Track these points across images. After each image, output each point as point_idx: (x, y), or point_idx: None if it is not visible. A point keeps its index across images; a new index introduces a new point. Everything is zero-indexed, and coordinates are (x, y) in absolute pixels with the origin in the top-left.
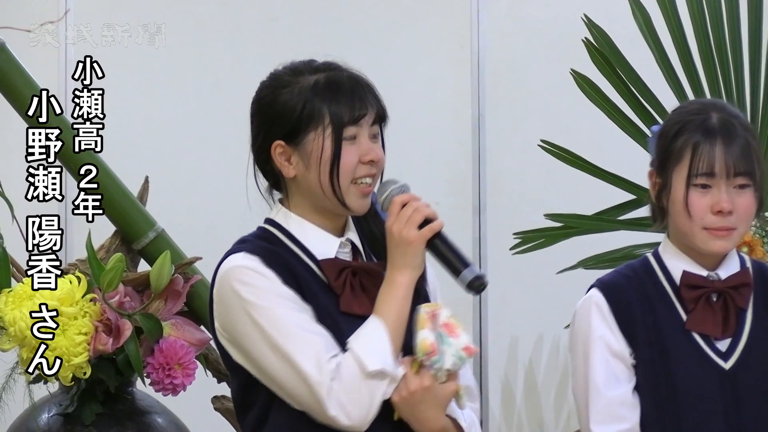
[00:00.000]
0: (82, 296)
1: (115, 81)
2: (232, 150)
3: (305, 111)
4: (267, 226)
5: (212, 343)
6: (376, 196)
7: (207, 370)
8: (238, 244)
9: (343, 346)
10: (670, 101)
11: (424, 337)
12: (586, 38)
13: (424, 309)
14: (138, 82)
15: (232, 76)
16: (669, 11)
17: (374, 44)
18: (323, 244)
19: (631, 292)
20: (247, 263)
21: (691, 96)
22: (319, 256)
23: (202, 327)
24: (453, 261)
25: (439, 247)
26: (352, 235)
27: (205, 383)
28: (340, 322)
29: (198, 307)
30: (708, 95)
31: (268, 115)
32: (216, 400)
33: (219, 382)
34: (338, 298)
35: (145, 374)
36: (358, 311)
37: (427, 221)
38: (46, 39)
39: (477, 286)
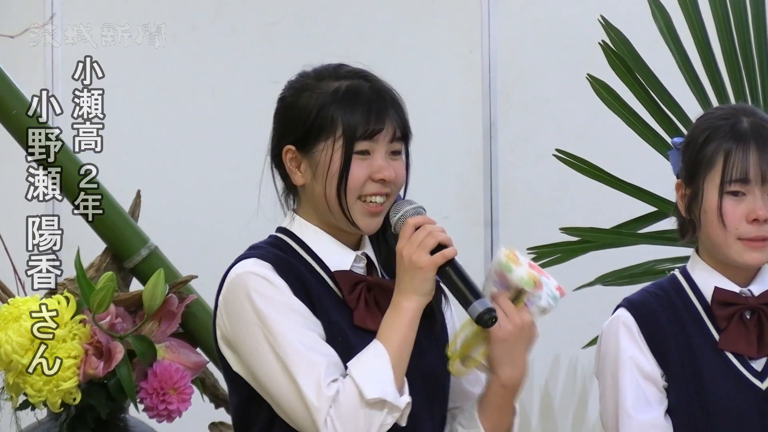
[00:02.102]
0: (71, 318)
1: (114, 81)
2: (231, 160)
3: (318, 118)
4: (279, 235)
5: (209, 366)
6: (390, 214)
7: (204, 395)
8: (250, 250)
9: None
10: (692, 107)
11: (528, 271)
12: (603, 41)
13: (504, 251)
14: (124, 107)
15: (232, 81)
16: (691, 12)
17: (378, 49)
18: (338, 255)
19: (661, 310)
20: (259, 270)
21: (714, 101)
22: (333, 268)
23: (198, 349)
24: (463, 291)
25: (451, 275)
26: (368, 250)
27: (202, 409)
28: (352, 338)
29: (194, 328)
30: (732, 100)
31: (284, 117)
32: (214, 426)
33: (216, 407)
34: (351, 312)
35: (138, 399)
36: (372, 327)
37: (440, 247)
38: (31, 43)
39: (487, 319)
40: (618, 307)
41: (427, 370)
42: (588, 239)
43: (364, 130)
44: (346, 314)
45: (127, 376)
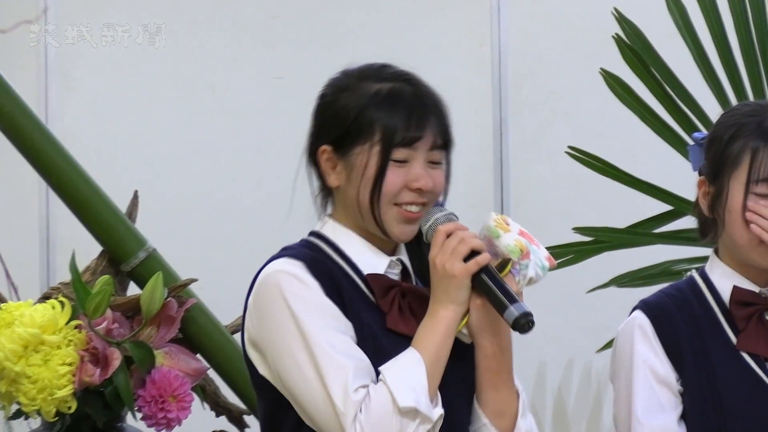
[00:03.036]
0: (66, 323)
1: (113, 80)
2: (232, 159)
3: (357, 121)
4: (311, 239)
5: (209, 373)
6: (422, 222)
7: (204, 403)
8: (281, 250)
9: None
10: (708, 103)
11: (515, 238)
12: (616, 34)
13: (494, 215)
14: (123, 104)
15: (233, 79)
16: (707, 4)
17: (385, 43)
18: (372, 259)
19: (678, 313)
20: (290, 269)
21: (731, 96)
22: (366, 271)
23: (199, 356)
24: (499, 296)
25: (485, 281)
26: (404, 257)
27: (202, 417)
28: (384, 341)
29: (194, 333)
30: (750, 96)
31: (323, 116)
32: None
33: (217, 415)
34: (384, 316)
35: (136, 408)
36: (405, 331)
37: (473, 253)
38: (24, 39)
39: (523, 324)
40: (634, 309)
41: (466, 375)
42: (602, 239)
43: (402, 137)
44: (378, 317)
45: (125, 383)
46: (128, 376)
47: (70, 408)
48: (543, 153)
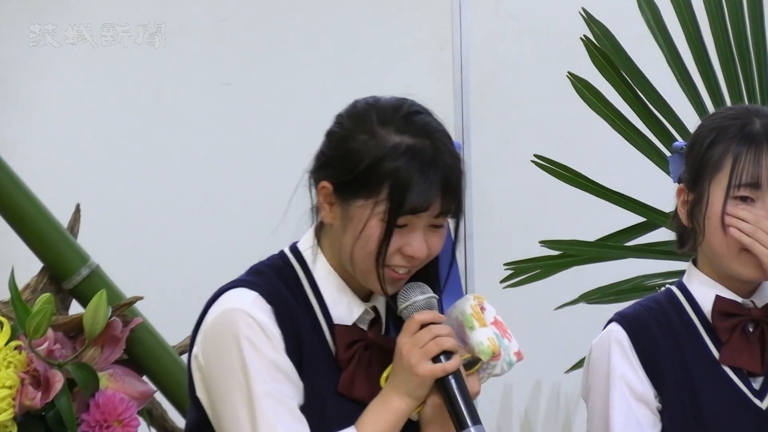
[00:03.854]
0: (5, 344)
1: (42, 114)
2: (178, 170)
3: (366, 173)
4: (291, 258)
5: (156, 396)
6: (398, 299)
7: (151, 428)
8: (253, 275)
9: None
10: (683, 108)
11: (489, 336)
12: (585, 36)
13: (471, 300)
14: (62, 112)
15: (179, 85)
16: (681, 3)
17: (340, 46)
18: (345, 307)
19: (656, 325)
20: (257, 314)
21: (707, 101)
22: (336, 320)
23: (145, 378)
24: (461, 413)
25: (450, 390)
26: (380, 302)
27: None
28: (330, 406)
29: (140, 354)
30: (727, 99)
31: (333, 150)
32: None
33: None
34: (338, 374)
35: None
36: (357, 394)
37: (444, 353)
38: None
39: None
40: (609, 321)
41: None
42: (570, 253)
43: (411, 205)
44: (333, 375)
45: (67, 407)
46: (71, 400)
47: None
48: (508, 162)
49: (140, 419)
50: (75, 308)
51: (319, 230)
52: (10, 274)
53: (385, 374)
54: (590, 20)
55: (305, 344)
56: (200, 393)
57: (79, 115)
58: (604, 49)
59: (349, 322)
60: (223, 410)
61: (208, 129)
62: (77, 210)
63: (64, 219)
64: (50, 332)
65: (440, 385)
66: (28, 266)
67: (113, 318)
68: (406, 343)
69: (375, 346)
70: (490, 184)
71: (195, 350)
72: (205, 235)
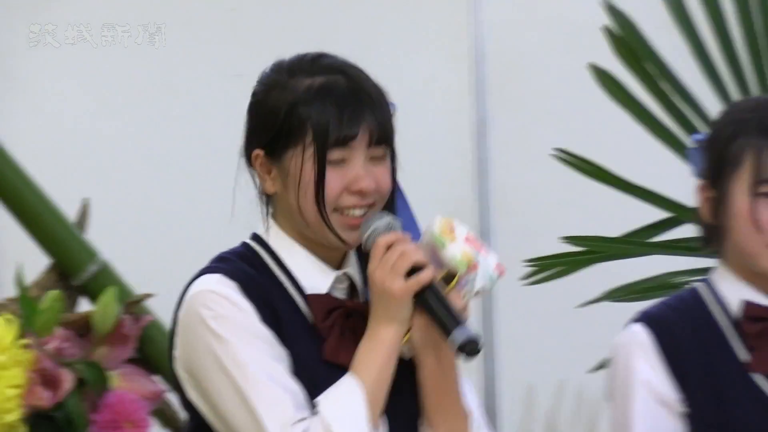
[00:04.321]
0: (13, 342)
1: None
2: (191, 163)
3: (287, 121)
4: (253, 244)
5: (168, 396)
6: (360, 231)
7: (164, 429)
8: (217, 262)
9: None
10: (708, 99)
11: (462, 249)
12: (606, 26)
13: (439, 221)
14: (71, 105)
15: (191, 77)
16: None
17: (354, 38)
18: (315, 276)
19: (681, 326)
20: (222, 290)
21: (733, 92)
22: (309, 290)
23: (157, 377)
24: (443, 319)
25: (428, 302)
26: (352, 269)
27: None
28: (320, 374)
29: (151, 353)
30: (754, 92)
31: (253, 117)
32: None
33: None
34: (323, 343)
35: None
36: (345, 361)
37: (415, 268)
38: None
39: (469, 350)
40: (632, 321)
41: (408, 404)
42: (594, 249)
43: (336, 136)
44: (316, 345)
45: (77, 407)
46: (81, 400)
47: None
48: (528, 156)
49: (151, 420)
50: (84, 306)
51: (272, 210)
52: (18, 271)
53: (405, 338)
54: (612, 9)
55: (280, 313)
56: (193, 396)
57: (87, 109)
58: (627, 39)
59: (323, 291)
60: (217, 399)
61: (220, 122)
62: (85, 205)
63: (72, 214)
64: (59, 330)
65: (419, 301)
66: (36, 263)
67: (123, 316)
68: (375, 268)
69: (356, 313)
70: (509, 179)
71: (175, 348)
72: (217, 231)
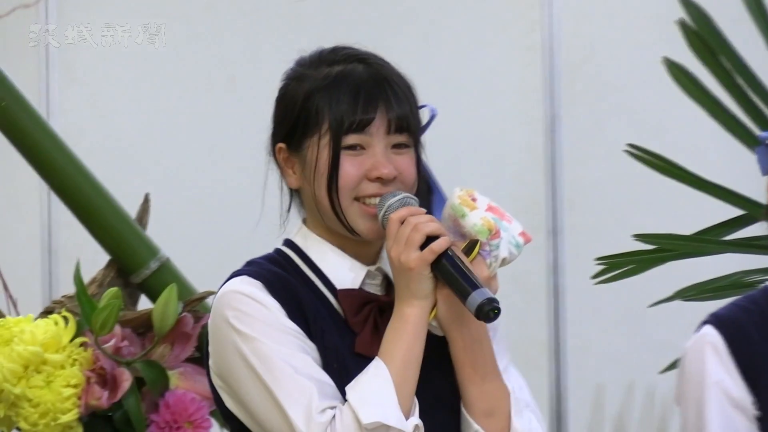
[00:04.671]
0: (71, 340)
1: (110, 96)
2: (253, 158)
3: (304, 110)
4: (283, 248)
5: None
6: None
7: (223, 430)
8: (245, 266)
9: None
10: None
11: (482, 216)
12: (681, 19)
13: (458, 191)
14: (133, 97)
15: (253, 68)
16: None
17: (422, 30)
18: (346, 272)
19: (754, 328)
20: (246, 289)
21: None
22: (340, 286)
23: None
24: (460, 282)
25: (446, 268)
26: (386, 264)
27: None
28: (351, 366)
29: None
30: None
31: (276, 111)
32: None
33: None
34: (355, 338)
35: None
36: (377, 354)
37: (430, 239)
38: (22, 27)
39: (488, 311)
40: (703, 323)
41: (437, 393)
42: (666, 248)
43: (351, 121)
44: (348, 339)
45: (136, 407)
46: (139, 400)
47: None
48: (599, 152)
49: (212, 420)
50: (144, 303)
51: (300, 207)
52: (76, 268)
53: (432, 314)
54: (686, 3)
55: (307, 309)
56: (230, 405)
57: (148, 102)
58: (701, 33)
59: (355, 287)
60: (246, 396)
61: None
62: (146, 200)
63: (132, 210)
64: (117, 328)
65: (438, 271)
66: (95, 259)
67: (184, 314)
68: (391, 245)
69: (390, 308)
70: (580, 175)
71: (210, 360)
72: (279, 227)
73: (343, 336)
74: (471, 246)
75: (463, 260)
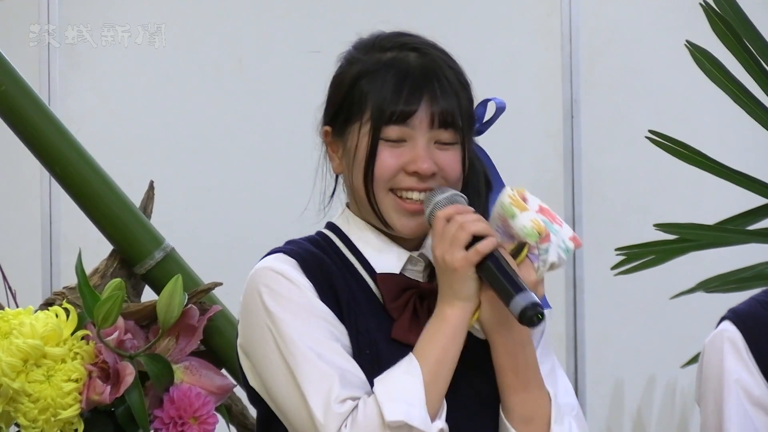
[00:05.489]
0: (72, 333)
1: (114, 81)
2: (261, 146)
3: (349, 95)
4: (326, 231)
5: (236, 391)
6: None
7: (230, 425)
8: (285, 244)
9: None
10: None
11: (532, 218)
12: (705, 2)
13: (509, 191)
14: (138, 82)
15: (262, 52)
16: None
17: (438, 14)
18: (387, 256)
19: None
20: (280, 267)
21: None
22: (380, 270)
23: (224, 371)
24: (504, 285)
25: (490, 270)
26: (429, 251)
27: None
28: (385, 352)
29: (218, 345)
30: None
31: (328, 93)
32: None
33: None
34: (392, 323)
35: (152, 430)
36: (414, 341)
37: (476, 239)
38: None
39: (531, 316)
40: (722, 319)
41: (477, 396)
42: (688, 238)
43: (392, 111)
44: (385, 324)
45: (139, 402)
46: (143, 395)
47: (76, 430)
48: (620, 138)
49: (218, 416)
50: (148, 295)
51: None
52: (78, 258)
53: (475, 316)
54: None
55: (340, 291)
56: (253, 382)
57: (153, 87)
58: (726, 16)
59: (396, 271)
60: (267, 375)
61: (296, 100)
62: (151, 188)
63: (136, 198)
64: (120, 321)
65: (483, 272)
66: (97, 249)
67: (189, 306)
68: (436, 244)
69: (432, 296)
70: (601, 163)
71: (239, 339)
72: (290, 215)
73: (379, 321)
74: (519, 248)
75: (509, 262)
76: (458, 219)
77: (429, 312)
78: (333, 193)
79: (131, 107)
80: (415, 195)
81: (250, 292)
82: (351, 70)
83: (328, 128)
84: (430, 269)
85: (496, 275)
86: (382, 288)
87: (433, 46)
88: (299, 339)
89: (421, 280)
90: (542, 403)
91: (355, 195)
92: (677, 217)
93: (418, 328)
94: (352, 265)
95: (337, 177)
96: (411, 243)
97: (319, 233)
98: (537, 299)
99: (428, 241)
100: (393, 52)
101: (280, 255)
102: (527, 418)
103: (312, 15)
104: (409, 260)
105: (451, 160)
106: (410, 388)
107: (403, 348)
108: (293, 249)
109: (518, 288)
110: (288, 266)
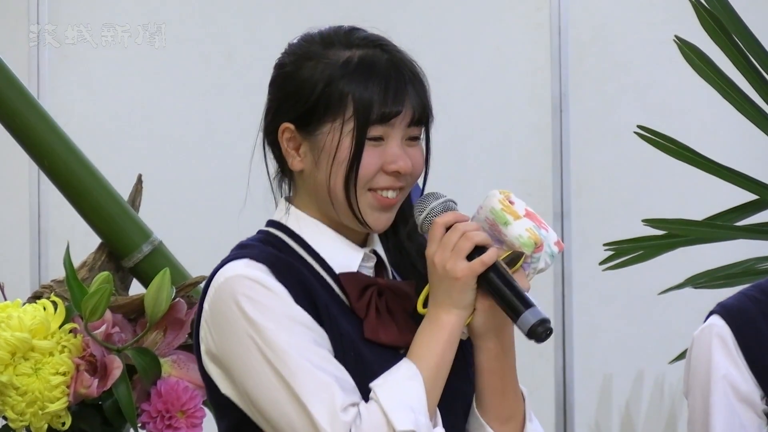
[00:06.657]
0: (60, 326)
1: (102, 75)
2: (249, 140)
3: (325, 95)
4: (272, 230)
5: None
6: (415, 212)
7: (221, 420)
8: (238, 249)
9: (368, 380)
10: None
11: (527, 227)
12: None
13: (498, 195)
14: (126, 75)
15: (247, 48)
16: None
17: (427, 7)
18: (344, 254)
19: (762, 318)
20: (252, 273)
21: None
22: (338, 269)
23: None
24: (513, 301)
25: (495, 283)
26: (377, 246)
27: None
28: (365, 353)
29: None
30: None
31: (283, 89)
32: None
33: None
34: (361, 323)
35: (139, 424)
36: (385, 339)
37: (477, 249)
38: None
39: (540, 332)
40: (711, 313)
41: (458, 385)
42: (676, 233)
43: (379, 112)
44: (355, 324)
45: (127, 396)
46: (130, 388)
47: (63, 424)
48: (609, 134)
49: (206, 410)
50: (135, 288)
51: (292, 190)
52: (66, 251)
53: (422, 297)
54: None
55: (316, 295)
56: (227, 391)
57: (142, 81)
58: (715, 12)
59: (353, 269)
60: (256, 388)
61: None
62: (139, 182)
63: (124, 192)
64: (108, 314)
65: (484, 283)
66: (85, 242)
67: (177, 299)
68: (435, 251)
69: (388, 290)
70: (589, 158)
71: (203, 341)
72: (275, 210)
73: (349, 321)
74: (515, 258)
75: (509, 274)
76: (460, 227)
77: (388, 308)
78: (289, 189)
79: (119, 101)
80: (391, 193)
81: (225, 301)
82: (319, 68)
83: (289, 125)
84: (377, 264)
85: (502, 288)
86: (347, 287)
87: (389, 42)
88: (290, 348)
89: (372, 275)
90: (519, 403)
91: (331, 194)
92: (665, 213)
93: (384, 326)
94: (310, 265)
95: (283, 174)
96: (359, 239)
97: (265, 233)
98: (545, 315)
99: (374, 237)
100: (360, 49)
101: (248, 261)
102: (505, 418)
103: (302, 11)
104: (364, 258)
105: (419, 155)
106: (414, 395)
107: (378, 348)
108: (257, 253)
109: (526, 304)
110: (260, 272)
